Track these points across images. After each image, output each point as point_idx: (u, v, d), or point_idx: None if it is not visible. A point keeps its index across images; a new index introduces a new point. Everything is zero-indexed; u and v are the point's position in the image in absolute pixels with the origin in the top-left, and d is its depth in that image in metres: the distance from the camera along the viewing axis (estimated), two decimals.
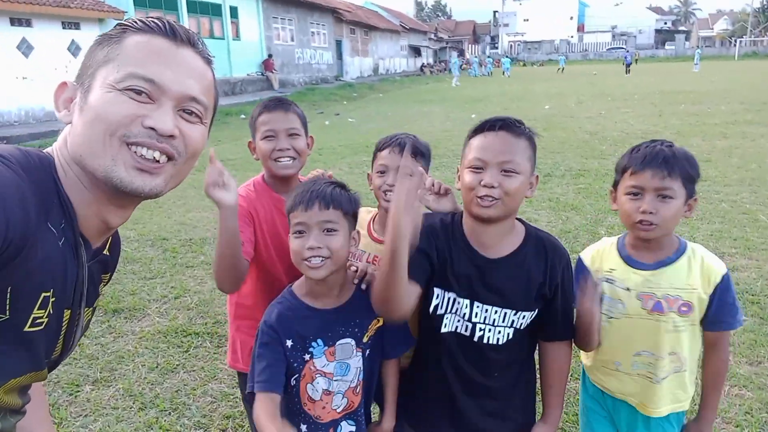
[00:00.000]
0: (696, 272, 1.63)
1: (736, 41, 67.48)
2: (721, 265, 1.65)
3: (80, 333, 1.14)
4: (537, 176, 1.56)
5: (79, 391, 3.03)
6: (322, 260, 1.50)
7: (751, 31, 73.82)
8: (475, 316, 1.56)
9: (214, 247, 5.29)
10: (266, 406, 1.49)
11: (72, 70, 14.77)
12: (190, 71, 1.04)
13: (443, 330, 1.60)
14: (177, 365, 3.28)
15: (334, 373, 1.60)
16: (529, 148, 1.51)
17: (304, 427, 1.62)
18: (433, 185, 1.72)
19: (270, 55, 24.86)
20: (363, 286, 1.66)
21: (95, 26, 15.37)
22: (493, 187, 1.44)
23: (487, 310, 1.56)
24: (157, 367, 3.26)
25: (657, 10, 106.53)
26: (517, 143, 1.49)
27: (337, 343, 1.59)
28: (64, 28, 14.67)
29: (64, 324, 1.04)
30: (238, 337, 2.02)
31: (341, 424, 1.65)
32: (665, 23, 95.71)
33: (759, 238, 5.14)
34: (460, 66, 39.42)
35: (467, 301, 1.56)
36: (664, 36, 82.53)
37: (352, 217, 1.59)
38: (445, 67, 52.93)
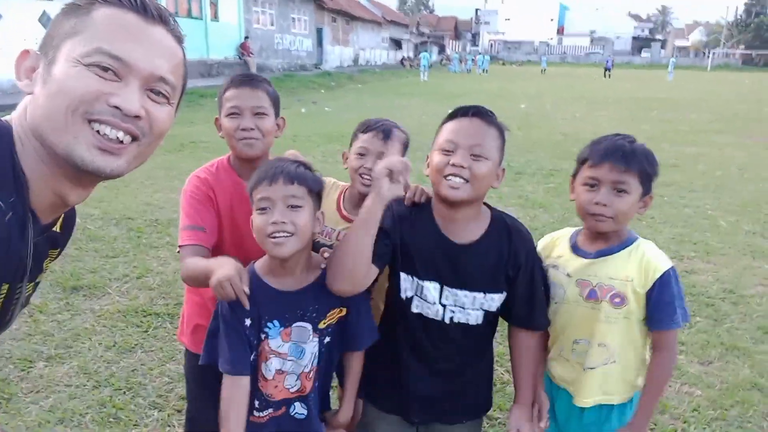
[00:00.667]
0: (633, 265, 1.64)
1: (709, 52, 69.07)
2: (665, 263, 1.64)
3: (19, 307, 1.10)
4: (504, 169, 1.59)
5: (31, 368, 2.96)
6: (286, 236, 1.47)
7: (724, 43, 75.64)
8: (445, 299, 1.61)
9: (178, 229, 5.25)
10: (235, 394, 1.53)
11: None
12: (159, 50, 1.00)
13: (414, 310, 1.64)
14: (135, 345, 3.23)
15: (288, 353, 1.59)
16: (499, 138, 1.55)
17: (256, 403, 1.62)
18: (414, 194, 1.68)
19: (247, 38, 24.47)
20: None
21: None
22: (462, 167, 1.48)
23: (456, 294, 1.60)
24: (114, 345, 3.21)
25: (636, 17, 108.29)
26: (488, 131, 1.53)
27: (294, 324, 1.57)
28: None
29: (1, 298, 1.01)
30: (186, 310, 2.03)
31: (294, 404, 1.65)
32: (642, 30, 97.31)
33: (718, 243, 5.29)
34: (431, 64, 39.66)
35: (436, 284, 1.60)
36: (640, 43, 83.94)
37: (317, 196, 1.57)
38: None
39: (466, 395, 1.74)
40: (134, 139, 0.99)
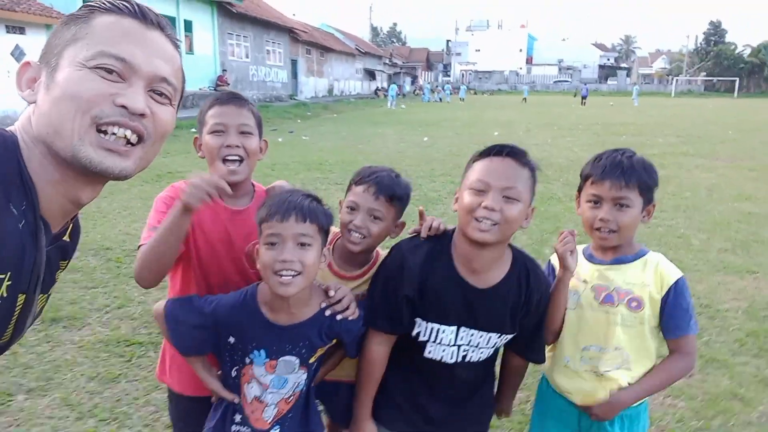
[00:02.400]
0: (650, 272, 1.69)
1: (673, 79, 71.47)
2: (677, 272, 1.70)
3: (32, 319, 1.10)
4: (533, 208, 1.57)
5: (11, 401, 2.88)
6: (293, 275, 1.43)
7: (686, 70, 78.42)
8: (461, 340, 1.62)
9: None
10: (197, 364, 1.61)
11: (15, 74, 14.18)
12: (160, 52, 1.03)
13: (427, 355, 1.65)
14: (119, 375, 3.17)
15: (270, 386, 1.56)
16: (531, 178, 1.53)
17: (237, 417, 1.60)
18: (430, 228, 1.65)
19: (224, 71, 24.65)
20: (327, 312, 1.58)
21: (42, 32, 14.87)
22: (493, 210, 1.45)
23: (472, 335, 1.61)
24: (97, 376, 3.15)
25: (601, 46, 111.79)
26: (521, 172, 1.51)
27: (281, 358, 1.55)
28: (8, 32, 14.13)
29: (17, 309, 1.01)
30: (168, 348, 1.80)
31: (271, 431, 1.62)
32: (608, 59, 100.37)
33: (692, 260, 5.42)
34: (404, 94, 40.37)
35: (453, 328, 1.61)
36: (606, 71, 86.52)
37: (326, 232, 1.53)
38: (399, 91, 53.78)
39: (473, 413, 1.79)
40: (140, 139, 1.01)
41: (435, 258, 1.61)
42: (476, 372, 1.71)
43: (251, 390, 1.57)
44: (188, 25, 22.81)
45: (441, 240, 1.64)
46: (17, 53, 14.24)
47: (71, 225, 1.15)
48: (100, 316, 3.93)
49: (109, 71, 0.96)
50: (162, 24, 1.06)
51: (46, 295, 1.13)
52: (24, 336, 3.21)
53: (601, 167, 1.69)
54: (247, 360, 1.55)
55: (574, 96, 40.94)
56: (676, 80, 70.46)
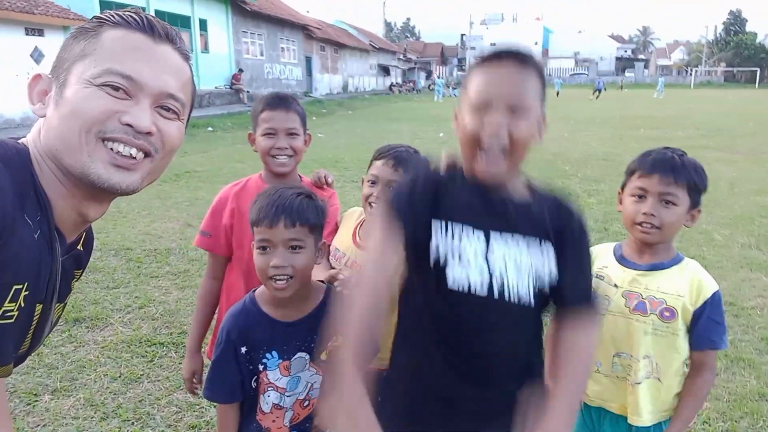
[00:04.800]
0: (685, 282, 1.63)
1: (691, 71, 70.39)
2: (714, 283, 1.65)
3: (49, 328, 1.12)
4: (545, 115, 1.30)
5: (37, 401, 2.92)
6: (287, 280, 1.45)
7: (705, 61, 77.18)
8: (492, 253, 1.22)
9: (179, 258, 5.28)
10: (224, 420, 1.58)
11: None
12: (167, 67, 1.03)
13: (450, 285, 1.21)
14: (141, 375, 3.20)
15: (287, 389, 1.56)
16: (539, 83, 1.26)
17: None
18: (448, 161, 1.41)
19: (241, 70, 24.78)
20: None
21: (60, 33, 15.07)
22: (501, 126, 1.19)
23: (507, 243, 1.23)
24: (120, 376, 3.18)
25: (618, 38, 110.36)
26: (528, 77, 1.25)
27: (293, 358, 1.54)
28: (27, 34, 14.33)
29: (35, 318, 1.02)
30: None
31: None
32: (625, 51, 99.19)
33: (714, 257, 5.34)
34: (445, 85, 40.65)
35: (481, 234, 1.23)
36: (624, 63, 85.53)
37: (319, 229, 1.53)
38: (413, 87, 53.57)
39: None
40: (147, 155, 1.01)
41: (450, 180, 1.32)
42: (520, 334, 1.27)
43: (269, 399, 1.55)
44: (203, 24, 22.94)
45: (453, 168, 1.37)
46: (36, 55, 14.44)
47: (84, 234, 1.16)
48: (122, 317, 3.97)
49: (116, 88, 0.97)
50: (171, 36, 1.06)
51: (62, 304, 1.14)
52: (49, 337, 3.26)
53: (651, 161, 1.64)
54: (260, 366, 1.53)
55: (594, 95, 39.47)
56: (695, 71, 69.41)
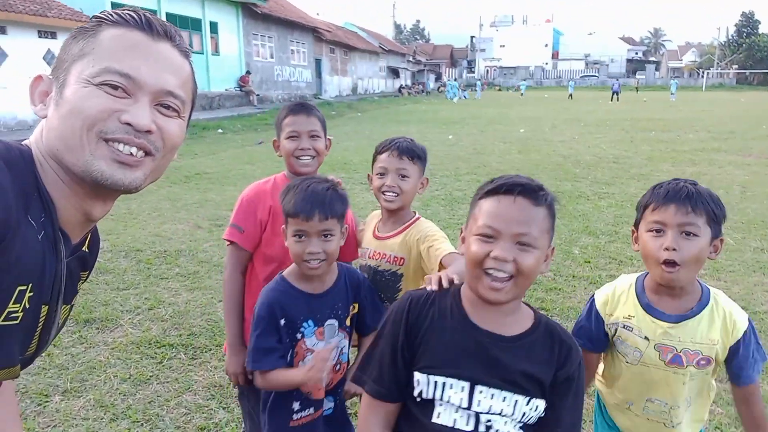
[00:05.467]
0: (718, 325, 1.57)
1: (703, 73, 69.85)
2: (744, 318, 1.60)
3: (56, 330, 1.12)
4: (553, 248, 1.32)
5: (47, 402, 2.94)
6: (320, 262, 1.67)
7: (717, 63, 76.56)
8: (478, 405, 1.25)
9: (188, 260, 5.29)
10: (272, 375, 1.69)
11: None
12: (166, 65, 1.03)
13: (435, 420, 1.27)
14: (150, 376, 3.22)
15: None
16: (549, 218, 1.28)
17: (296, 405, 1.74)
18: (439, 284, 1.40)
19: (248, 72, 24.88)
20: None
21: None
22: (505, 261, 1.21)
23: (493, 396, 1.25)
24: (129, 378, 3.20)
25: (628, 40, 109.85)
26: (537, 213, 1.25)
27: (326, 323, 1.74)
28: (40, 36, 14.49)
29: (41, 320, 1.02)
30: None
31: (323, 401, 1.79)
32: (636, 53, 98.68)
33: (727, 261, 5.29)
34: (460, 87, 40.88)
35: (465, 385, 1.25)
36: (635, 65, 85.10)
37: (344, 216, 1.73)
38: (423, 89, 53.55)
39: None
40: (147, 153, 1.01)
41: (433, 298, 1.35)
42: None
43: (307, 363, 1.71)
44: (214, 27, 23.08)
45: (447, 289, 1.38)
46: (49, 57, 14.58)
47: (89, 236, 1.17)
48: (132, 318, 3.99)
49: (114, 87, 0.97)
50: (170, 34, 1.05)
51: (69, 306, 1.14)
52: (59, 338, 3.27)
53: (664, 192, 1.56)
54: (299, 335, 1.71)
55: (616, 92, 38.87)
56: (707, 73, 68.89)
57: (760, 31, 78.99)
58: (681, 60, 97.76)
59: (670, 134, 16.35)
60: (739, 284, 4.71)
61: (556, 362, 1.29)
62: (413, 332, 1.31)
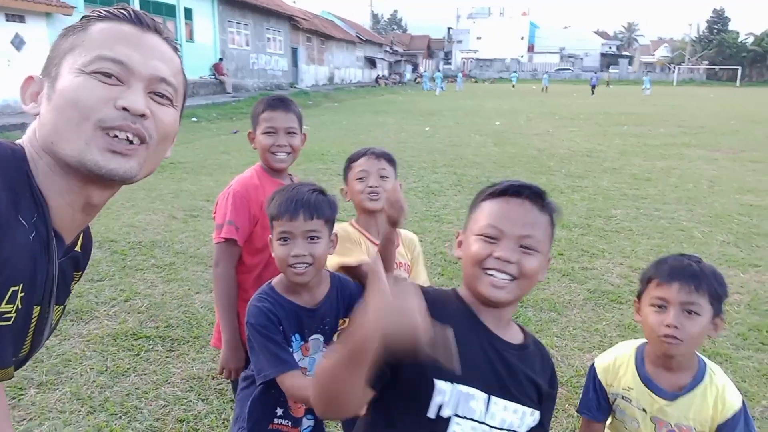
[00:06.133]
0: (710, 403, 1.60)
1: (674, 68, 71.11)
2: (738, 398, 1.62)
3: (49, 331, 1.11)
4: (550, 259, 1.30)
5: (22, 395, 2.91)
6: (306, 266, 1.60)
7: (688, 59, 78.01)
8: (491, 418, 1.19)
9: (164, 251, 5.26)
10: (297, 378, 1.57)
11: (14, 63, 14.18)
12: (157, 54, 1.04)
13: None
14: (127, 369, 3.20)
15: (308, 369, 1.68)
16: (550, 225, 1.27)
17: (279, 411, 1.71)
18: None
19: (221, 59, 24.51)
20: None
21: (42, 20, 14.78)
22: (509, 262, 1.18)
23: (505, 408, 1.21)
24: (106, 370, 3.18)
25: (603, 34, 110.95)
26: (541, 218, 1.24)
27: (311, 338, 1.68)
28: (7, 20, 14.05)
29: (33, 321, 1.01)
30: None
31: (302, 420, 1.73)
32: (610, 47, 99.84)
33: (694, 254, 5.44)
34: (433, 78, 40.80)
35: (483, 397, 1.19)
36: (608, 60, 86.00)
37: (332, 222, 1.69)
38: (400, 79, 53.53)
39: None
40: (142, 141, 1.01)
41: (442, 300, 1.26)
42: None
43: None
44: (188, 13, 22.68)
45: (449, 290, 1.32)
46: (17, 42, 14.17)
47: (82, 235, 1.16)
48: (107, 310, 3.96)
49: (108, 75, 0.97)
50: (159, 28, 1.07)
51: (61, 307, 1.13)
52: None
53: (668, 269, 1.58)
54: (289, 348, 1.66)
55: (594, 86, 39.39)
56: (678, 69, 70.15)
57: (730, 27, 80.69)
58: (653, 55, 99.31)
59: (642, 128, 16.66)
60: None
61: (548, 376, 1.31)
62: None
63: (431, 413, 1.16)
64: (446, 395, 1.16)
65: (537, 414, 1.26)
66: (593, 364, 1.79)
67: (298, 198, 1.62)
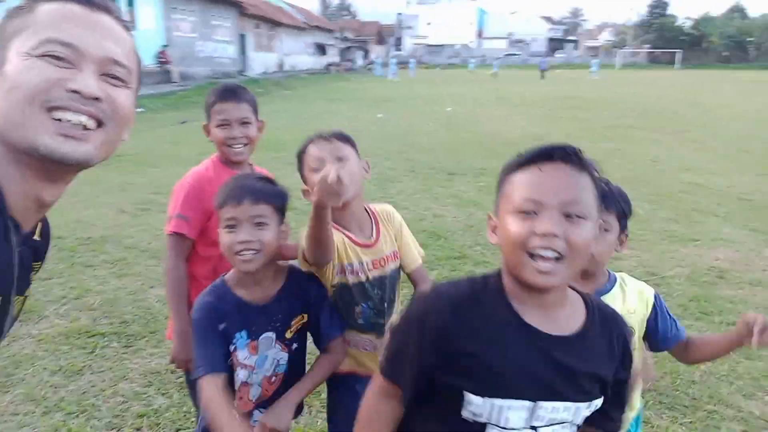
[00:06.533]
0: (632, 297, 1.69)
1: (617, 52, 73.17)
2: (650, 288, 1.74)
3: (10, 322, 1.09)
4: (600, 224, 1.18)
5: None
6: (253, 253, 1.53)
7: (631, 43, 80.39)
8: (537, 420, 1.10)
9: (114, 246, 5.12)
10: (211, 389, 1.50)
11: None
12: (109, 35, 1.00)
13: None
14: (83, 367, 3.14)
15: (255, 366, 1.63)
16: (595, 187, 1.11)
17: (235, 402, 1.64)
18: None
19: (165, 46, 23.76)
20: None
21: None
22: (555, 236, 1.02)
23: (554, 410, 1.10)
24: (60, 369, 3.10)
25: (549, 19, 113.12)
26: (582, 179, 1.08)
27: (261, 337, 1.62)
28: None
29: None
30: None
31: (253, 412, 1.68)
32: (556, 32, 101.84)
33: (639, 231, 5.68)
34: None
35: (527, 405, 1.08)
36: (555, 44, 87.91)
37: (281, 210, 1.62)
38: (351, 66, 53.25)
39: None
40: (99, 124, 0.98)
41: (477, 298, 1.13)
42: None
43: (238, 377, 1.63)
44: (130, 0, 21.88)
45: (485, 280, 1.17)
46: None
47: (41, 224, 1.14)
48: (57, 308, 3.85)
49: (58, 58, 0.94)
50: (109, 7, 1.03)
51: (22, 297, 1.11)
52: None
53: None
54: (231, 346, 1.59)
55: (543, 70, 40.49)
56: (621, 52, 72.22)
57: (668, 12, 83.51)
58: (598, 39, 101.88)
59: (588, 112, 17.12)
60: (649, 252, 5.10)
61: (618, 356, 1.16)
62: (458, 342, 1.10)
63: (466, 415, 1.11)
64: (479, 407, 1.09)
65: (597, 402, 1.14)
66: None
67: (244, 183, 1.60)
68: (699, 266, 4.79)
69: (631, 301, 1.69)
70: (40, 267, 1.19)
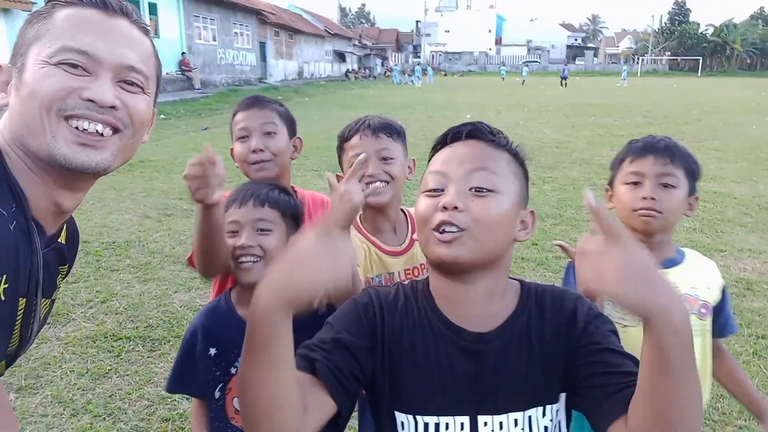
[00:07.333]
0: (707, 273, 1.53)
1: (638, 59, 72.53)
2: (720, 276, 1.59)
3: (38, 326, 1.10)
4: (533, 211, 1.06)
5: None
6: (254, 260, 1.40)
7: (651, 50, 79.68)
8: None
9: (139, 251, 5.19)
10: (202, 416, 1.51)
11: None
12: (125, 40, 1.01)
13: None
14: (109, 370, 3.18)
15: None
16: (512, 163, 1.04)
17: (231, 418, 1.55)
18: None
19: (184, 53, 24.08)
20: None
21: None
22: (455, 208, 0.95)
23: (501, 424, 0.96)
24: (87, 372, 3.14)
25: (568, 26, 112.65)
26: (494, 153, 1.03)
27: None
28: None
29: (19, 314, 1.00)
30: None
31: None
32: (575, 39, 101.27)
33: None
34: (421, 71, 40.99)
35: (465, 420, 0.96)
36: (574, 51, 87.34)
37: (292, 219, 1.49)
38: (370, 73, 53.46)
39: None
40: (115, 131, 0.99)
41: (407, 297, 1.05)
42: None
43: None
44: (153, 8, 22.23)
45: (415, 283, 1.10)
46: None
47: (66, 227, 1.14)
48: (84, 312, 3.90)
49: (74, 66, 0.95)
50: (126, 11, 1.03)
51: (49, 300, 1.12)
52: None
53: (641, 145, 1.51)
54: (233, 370, 1.47)
55: (564, 78, 39.82)
56: (642, 60, 71.58)
57: (691, 19, 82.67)
58: (618, 46, 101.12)
59: (609, 119, 16.99)
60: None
61: (573, 333, 0.98)
62: (387, 348, 0.99)
63: None
64: (411, 428, 0.97)
65: (554, 407, 0.98)
66: (570, 262, 1.63)
67: (250, 187, 1.48)
68: (726, 277, 4.61)
69: (707, 277, 1.53)
70: (68, 270, 1.19)
